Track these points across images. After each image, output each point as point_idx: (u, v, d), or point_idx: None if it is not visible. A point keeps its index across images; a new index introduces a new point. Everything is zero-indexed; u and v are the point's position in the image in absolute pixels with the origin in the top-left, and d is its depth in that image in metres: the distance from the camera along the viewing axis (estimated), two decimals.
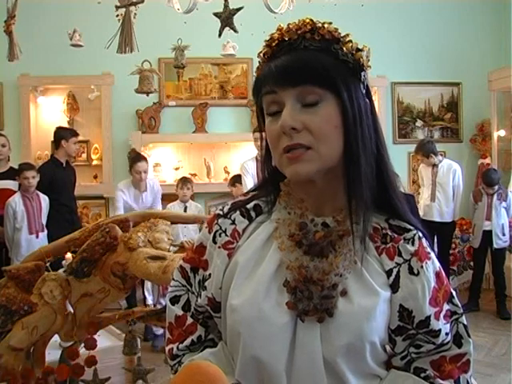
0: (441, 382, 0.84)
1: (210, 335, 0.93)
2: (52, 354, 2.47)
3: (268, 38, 0.85)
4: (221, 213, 0.92)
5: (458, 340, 0.87)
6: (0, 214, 3.87)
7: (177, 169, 5.25)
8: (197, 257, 0.93)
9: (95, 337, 2.23)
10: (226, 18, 3.09)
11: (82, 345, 2.23)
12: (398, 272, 0.83)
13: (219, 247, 0.88)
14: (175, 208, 4.36)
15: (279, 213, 0.89)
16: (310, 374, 0.79)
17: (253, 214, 0.90)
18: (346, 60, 0.81)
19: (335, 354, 0.79)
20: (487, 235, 4.65)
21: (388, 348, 0.85)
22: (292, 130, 0.79)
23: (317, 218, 0.86)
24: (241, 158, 4.99)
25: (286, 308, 0.81)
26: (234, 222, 0.90)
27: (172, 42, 3.82)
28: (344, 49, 0.81)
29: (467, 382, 0.87)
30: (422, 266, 0.84)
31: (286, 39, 0.82)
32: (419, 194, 5.06)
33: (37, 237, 3.89)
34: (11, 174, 3.98)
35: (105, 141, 5.15)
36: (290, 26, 0.83)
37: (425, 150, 4.71)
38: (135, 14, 2.98)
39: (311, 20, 0.82)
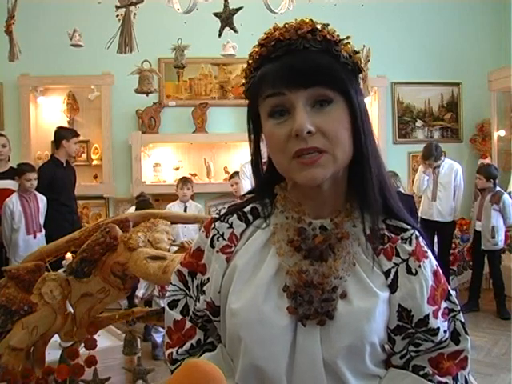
0: (439, 379, 0.84)
1: (209, 339, 0.93)
2: (52, 354, 2.47)
3: (264, 37, 0.82)
4: (217, 216, 0.91)
5: (455, 337, 0.87)
6: None
7: (177, 169, 5.25)
8: (194, 261, 0.92)
9: (95, 337, 2.23)
10: (226, 18, 3.09)
11: (82, 345, 2.23)
12: (396, 272, 0.83)
13: (217, 251, 0.88)
14: (175, 208, 4.36)
15: (276, 217, 0.88)
16: (311, 376, 0.79)
17: (250, 217, 0.89)
18: (346, 62, 0.81)
19: (335, 355, 0.79)
20: (478, 235, 4.65)
21: (387, 347, 0.85)
22: (307, 134, 0.76)
23: (314, 222, 0.85)
24: (241, 158, 4.99)
25: (287, 312, 0.80)
26: (231, 226, 0.89)
27: (172, 41, 3.82)
28: (343, 51, 0.81)
29: (465, 378, 0.87)
30: (419, 266, 0.84)
31: (285, 39, 0.80)
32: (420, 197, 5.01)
33: (34, 237, 3.89)
34: (11, 173, 3.98)
35: (105, 141, 5.14)
36: (288, 26, 0.81)
37: (436, 155, 4.69)
38: (135, 13, 2.98)
39: (311, 20, 0.81)
